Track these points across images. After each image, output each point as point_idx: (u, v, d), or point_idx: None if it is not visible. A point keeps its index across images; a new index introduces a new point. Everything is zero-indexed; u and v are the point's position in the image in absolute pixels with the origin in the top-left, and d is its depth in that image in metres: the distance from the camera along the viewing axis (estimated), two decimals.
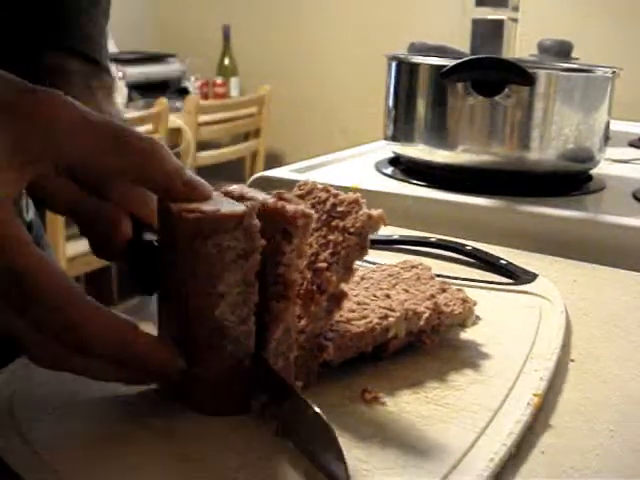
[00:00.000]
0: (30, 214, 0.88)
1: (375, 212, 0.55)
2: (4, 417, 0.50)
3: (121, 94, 3.57)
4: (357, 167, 1.36)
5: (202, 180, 0.51)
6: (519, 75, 1.09)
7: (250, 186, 1.03)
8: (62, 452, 0.47)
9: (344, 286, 0.55)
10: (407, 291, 0.66)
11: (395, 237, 0.94)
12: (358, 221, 0.54)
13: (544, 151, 1.13)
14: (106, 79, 0.76)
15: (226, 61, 4.20)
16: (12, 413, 0.51)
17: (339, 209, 0.56)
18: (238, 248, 0.49)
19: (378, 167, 1.32)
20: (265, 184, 1.18)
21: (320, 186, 0.60)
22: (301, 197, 0.58)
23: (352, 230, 0.54)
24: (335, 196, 0.58)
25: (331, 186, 0.60)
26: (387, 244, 0.92)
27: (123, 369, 0.49)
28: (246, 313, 0.50)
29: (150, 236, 0.60)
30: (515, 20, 1.37)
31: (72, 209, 0.60)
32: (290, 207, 0.50)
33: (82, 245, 2.90)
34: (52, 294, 0.45)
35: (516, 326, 0.68)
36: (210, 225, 0.48)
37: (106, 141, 0.47)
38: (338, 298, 0.55)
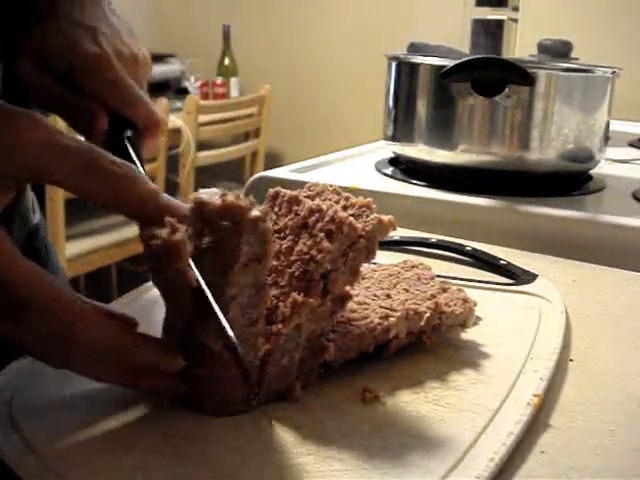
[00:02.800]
0: (37, 216, 0.88)
1: (386, 217, 0.55)
2: (4, 417, 0.51)
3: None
4: (357, 167, 1.37)
5: (178, 202, 0.50)
6: (519, 75, 1.09)
7: (250, 186, 1.02)
8: (61, 453, 0.47)
9: (348, 287, 0.56)
10: (408, 291, 0.66)
11: (395, 237, 0.94)
12: (368, 225, 0.55)
13: (544, 151, 1.13)
14: None
15: (226, 61, 4.19)
16: (12, 413, 0.51)
17: (350, 212, 0.56)
18: (250, 252, 0.49)
19: (378, 167, 1.32)
20: (265, 184, 1.18)
21: (331, 188, 0.60)
22: (311, 198, 0.58)
23: (362, 233, 0.54)
24: (346, 199, 0.58)
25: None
26: (387, 244, 0.92)
27: (122, 370, 0.49)
28: (256, 315, 0.51)
29: (129, 132, 0.60)
30: (515, 20, 1.37)
31: (54, 104, 0.60)
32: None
33: (82, 245, 2.90)
34: (42, 302, 0.45)
35: (516, 326, 0.68)
36: (167, 252, 0.47)
37: (79, 165, 0.47)
38: (342, 300, 0.55)
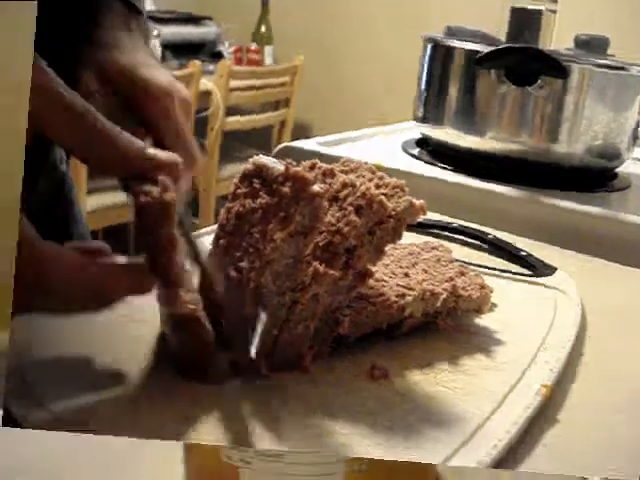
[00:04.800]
0: (64, 166, 0.88)
1: (417, 201, 0.56)
2: (14, 370, 0.51)
3: (155, 53, 3.56)
4: (384, 145, 1.36)
5: (166, 154, 0.50)
6: (553, 67, 1.09)
7: (275, 156, 1.03)
8: (70, 408, 0.48)
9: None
10: (426, 271, 0.66)
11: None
12: (399, 206, 0.55)
13: (572, 145, 1.13)
14: (144, 24, 0.72)
15: (262, 28, 4.17)
16: (22, 367, 0.51)
17: (382, 191, 0.56)
18: (300, 224, 0.50)
19: (404, 147, 1.32)
20: (291, 154, 1.18)
21: (366, 166, 0.60)
22: (345, 173, 0.59)
23: (392, 213, 0.55)
24: (380, 178, 0.58)
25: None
26: (408, 226, 0.91)
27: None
28: (286, 286, 0.51)
29: None
30: (554, 11, 1.36)
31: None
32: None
33: (102, 199, 2.91)
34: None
35: (531, 316, 0.68)
36: (156, 211, 0.47)
37: (67, 116, 0.47)
38: (363, 276, 0.56)
